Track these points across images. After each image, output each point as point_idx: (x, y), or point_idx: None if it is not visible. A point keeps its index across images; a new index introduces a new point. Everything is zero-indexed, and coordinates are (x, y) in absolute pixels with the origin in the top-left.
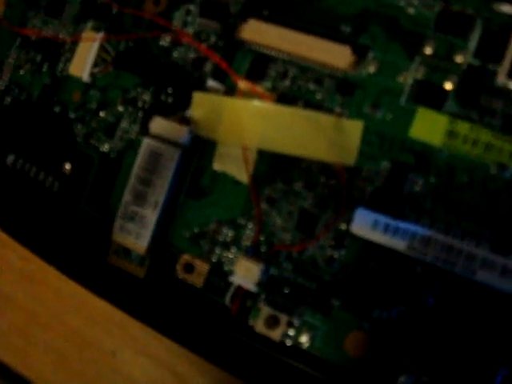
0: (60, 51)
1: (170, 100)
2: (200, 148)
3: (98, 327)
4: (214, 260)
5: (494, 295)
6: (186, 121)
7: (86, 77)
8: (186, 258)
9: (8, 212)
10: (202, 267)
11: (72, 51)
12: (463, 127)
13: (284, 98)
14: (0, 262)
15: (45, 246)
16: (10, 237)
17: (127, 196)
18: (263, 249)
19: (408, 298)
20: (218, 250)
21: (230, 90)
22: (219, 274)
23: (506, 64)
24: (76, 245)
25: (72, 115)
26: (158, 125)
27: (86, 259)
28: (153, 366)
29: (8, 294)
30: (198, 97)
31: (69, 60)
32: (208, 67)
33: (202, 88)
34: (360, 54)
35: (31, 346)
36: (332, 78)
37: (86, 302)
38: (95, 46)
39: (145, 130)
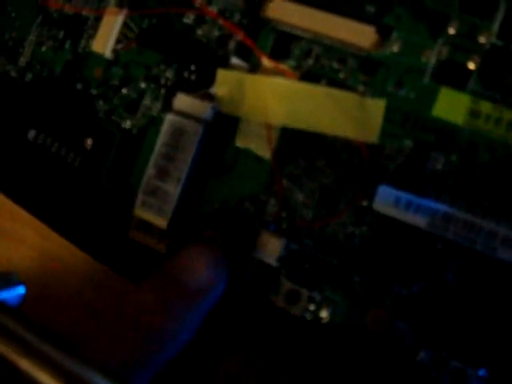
0: (82, 28)
1: (193, 77)
2: (223, 124)
3: None
4: None
5: None
6: (209, 97)
7: (108, 53)
8: (207, 233)
9: (27, 187)
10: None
11: (94, 28)
12: (486, 107)
13: (307, 77)
14: (18, 238)
15: (65, 221)
16: (28, 213)
17: (150, 171)
18: (285, 225)
19: (428, 275)
20: (239, 226)
21: (254, 68)
22: None
23: None
24: (97, 219)
25: (94, 92)
26: (182, 101)
27: (107, 234)
28: None
29: (25, 271)
30: (222, 74)
31: (91, 37)
32: (232, 45)
33: (226, 66)
34: (384, 33)
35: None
36: (355, 57)
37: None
38: (118, 22)
39: (167, 107)
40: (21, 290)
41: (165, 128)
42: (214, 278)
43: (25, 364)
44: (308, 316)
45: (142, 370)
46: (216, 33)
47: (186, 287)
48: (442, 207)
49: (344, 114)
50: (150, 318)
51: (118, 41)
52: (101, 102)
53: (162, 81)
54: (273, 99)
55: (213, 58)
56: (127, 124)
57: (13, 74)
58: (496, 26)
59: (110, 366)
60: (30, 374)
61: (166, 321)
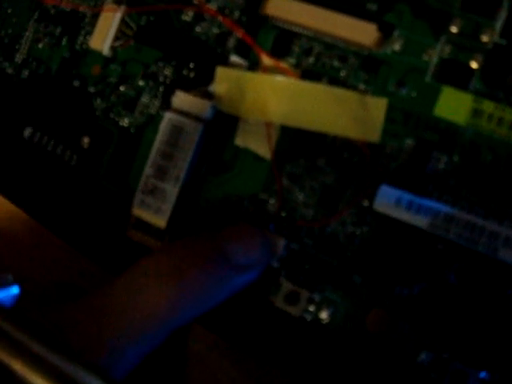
0: (80, 24)
1: (191, 75)
2: (222, 123)
3: None
4: None
5: None
6: (208, 95)
7: (106, 51)
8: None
9: (23, 186)
10: None
11: (92, 25)
12: (488, 106)
13: (308, 75)
14: (13, 238)
15: (62, 221)
16: (24, 212)
17: (148, 170)
18: (284, 224)
19: (429, 276)
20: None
21: (254, 66)
22: None
23: None
24: (94, 219)
25: (91, 89)
26: (181, 99)
27: (105, 233)
28: None
29: (20, 272)
30: (221, 72)
31: (89, 33)
32: (231, 42)
33: (225, 63)
34: (386, 31)
35: None
36: (357, 55)
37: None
38: (116, 19)
39: (165, 105)
40: (15, 290)
41: (163, 126)
42: (258, 259)
43: (18, 366)
44: (308, 317)
45: (173, 321)
46: (215, 30)
47: (228, 259)
48: (443, 208)
49: (345, 113)
50: (178, 281)
51: (116, 38)
52: (98, 100)
53: (161, 78)
54: (273, 98)
55: (212, 56)
56: (125, 122)
57: (9, 70)
58: (499, 25)
59: (141, 314)
60: (23, 376)
61: (202, 276)
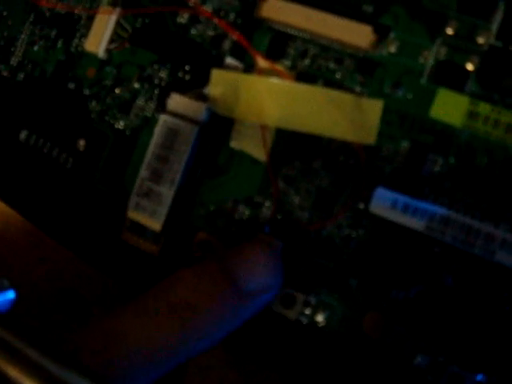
0: (75, 27)
1: (187, 77)
2: (218, 125)
3: None
4: None
5: None
6: (203, 98)
7: (101, 53)
8: (201, 235)
9: (19, 189)
10: (218, 245)
11: (87, 27)
12: (484, 108)
13: (303, 77)
14: (8, 241)
15: (57, 223)
16: (20, 215)
17: (143, 173)
18: (280, 227)
19: (426, 279)
20: (234, 229)
21: (249, 69)
22: None
23: None
24: (89, 222)
25: (87, 92)
26: (176, 102)
27: (100, 236)
28: None
29: (15, 274)
30: (216, 74)
31: (84, 36)
32: (226, 45)
33: (220, 66)
34: (381, 33)
35: None
36: (352, 57)
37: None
38: (111, 21)
39: (161, 108)
40: (10, 294)
41: (158, 129)
42: (271, 282)
43: (14, 372)
44: (304, 320)
45: (183, 353)
46: (210, 32)
47: (240, 288)
48: (439, 210)
49: (341, 115)
50: (190, 314)
51: (111, 40)
52: (93, 103)
53: (156, 81)
54: (268, 100)
55: (207, 58)
56: (120, 125)
57: (4, 73)
58: (495, 27)
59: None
60: (19, 383)
61: (214, 312)
